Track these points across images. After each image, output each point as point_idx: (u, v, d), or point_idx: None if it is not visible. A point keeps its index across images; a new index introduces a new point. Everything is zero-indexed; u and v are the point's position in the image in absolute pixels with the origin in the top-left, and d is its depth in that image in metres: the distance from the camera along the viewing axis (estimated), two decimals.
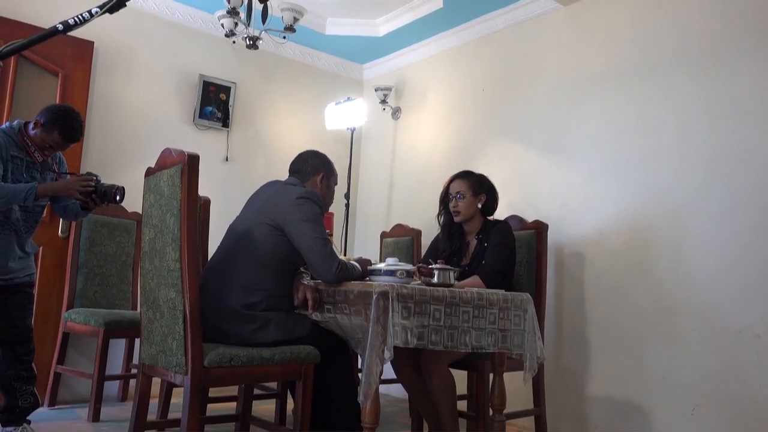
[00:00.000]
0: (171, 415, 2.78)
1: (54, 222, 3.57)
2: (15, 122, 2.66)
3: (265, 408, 3.43)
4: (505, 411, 2.41)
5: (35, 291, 2.88)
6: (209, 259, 2.46)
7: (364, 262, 2.37)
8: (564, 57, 3.62)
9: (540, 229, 3.10)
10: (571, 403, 3.23)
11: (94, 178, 2.66)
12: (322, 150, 4.49)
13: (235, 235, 2.37)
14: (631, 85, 3.22)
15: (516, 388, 2.86)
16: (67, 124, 2.62)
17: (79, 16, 1.97)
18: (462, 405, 3.05)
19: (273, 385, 3.14)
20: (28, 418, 2.71)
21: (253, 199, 2.49)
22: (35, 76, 3.60)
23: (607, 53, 3.38)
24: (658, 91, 3.10)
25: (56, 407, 3.41)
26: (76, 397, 3.57)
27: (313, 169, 2.53)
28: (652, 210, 3.04)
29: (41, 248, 3.44)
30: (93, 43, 3.81)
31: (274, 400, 3.11)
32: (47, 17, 3.60)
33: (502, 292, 2.33)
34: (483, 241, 2.79)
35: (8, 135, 2.59)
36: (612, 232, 3.20)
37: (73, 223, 3.55)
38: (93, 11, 1.99)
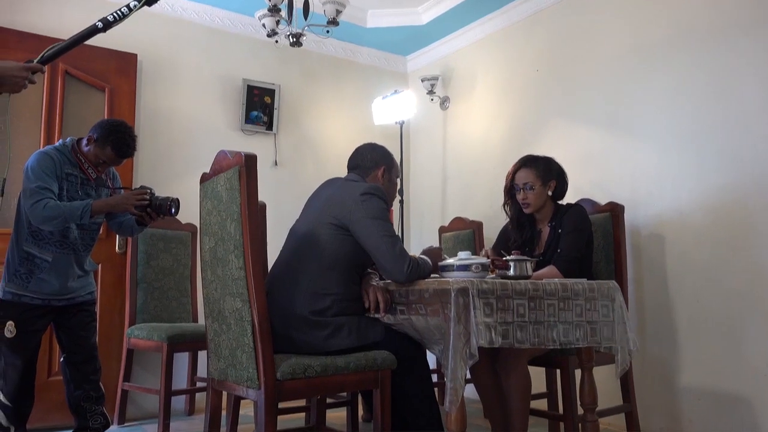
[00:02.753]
0: (240, 428, 2.70)
1: (111, 238, 3.55)
2: (68, 139, 2.62)
3: (334, 416, 3.31)
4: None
5: (97, 309, 2.84)
6: (272, 265, 2.35)
7: (435, 254, 2.21)
8: (625, 25, 3.38)
9: (615, 211, 2.88)
10: (661, 397, 3.00)
11: (149, 191, 2.60)
12: None
13: (297, 238, 2.25)
14: (703, 50, 2.97)
15: (599, 383, 2.65)
16: (120, 139, 2.56)
17: (118, 12, 1.89)
18: (538, 404, 2.87)
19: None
20: None
21: (313, 199, 2.37)
22: (83, 93, 3.60)
23: (675, 16, 3.13)
24: (734, 55, 2.84)
25: (126, 425, 3.39)
26: (144, 413, 3.54)
27: (373, 163, 2.39)
28: (739, 181, 2.78)
29: (100, 265, 3.42)
30: (136, 55, 3.78)
31: (344, 408, 2.99)
32: (63, 28, 3.58)
33: (586, 281, 2.15)
34: (556, 228, 2.60)
35: (62, 152, 2.55)
36: (694, 209, 2.95)
37: (130, 239, 3.52)
38: (131, 5, 1.91)
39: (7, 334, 2.44)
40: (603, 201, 3.02)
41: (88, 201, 2.48)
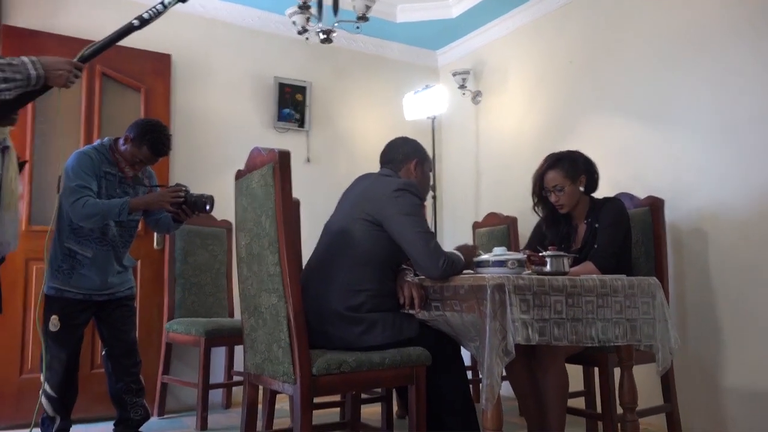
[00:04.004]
0: (276, 422, 2.72)
1: (149, 235, 3.62)
2: (105, 139, 2.68)
3: (369, 412, 3.32)
4: None
5: (137, 304, 2.91)
6: (306, 261, 2.36)
7: (469, 251, 2.18)
8: (664, 11, 3.28)
9: (655, 205, 2.81)
10: (704, 396, 2.92)
11: (184, 188, 2.65)
12: None
13: (331, 234, 2.25)
14: (748, 36, 2.87)
15: (639, 382, 2.59)
16: (155, 138, 2.62)
17: (152, 10, 1.91)
18: (576, 402, 2.82)
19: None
20: (140, 429, 2.73)
21: (346, 195, 2.36)
22: (119, 93, 3.67)
23: (718, 3, 3.03)
24: None
25: (165, 417, 3.46)
26: (183, 406, 3.61)
27: (405, 156, 2.37)
28: None
29: (139, 262, 3.50)
30: (170, 56, 3.85)
31: (378, 404, 2.99)
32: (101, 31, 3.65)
33: (625, 277, 2.10)
34: (593, 224, 2.55)
35: (100, 152, 2.61)
36: (737, 203, 2.86)
37: (167, 236, 3.58)
38: (166, 2, 1.93)
39: (52, 328, 2.51)
40: (642, 195, 2.95)
41: (125, 199, 2.54)
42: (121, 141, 2.65)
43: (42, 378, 2.55)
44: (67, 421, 2.62)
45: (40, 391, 2.55)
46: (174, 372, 3.58)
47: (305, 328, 1.87)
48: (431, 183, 4.33)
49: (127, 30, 1.88)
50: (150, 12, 1.90)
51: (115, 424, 2.74)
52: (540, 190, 2.64)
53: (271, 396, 2.74)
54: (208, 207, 2.63)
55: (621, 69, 3.51)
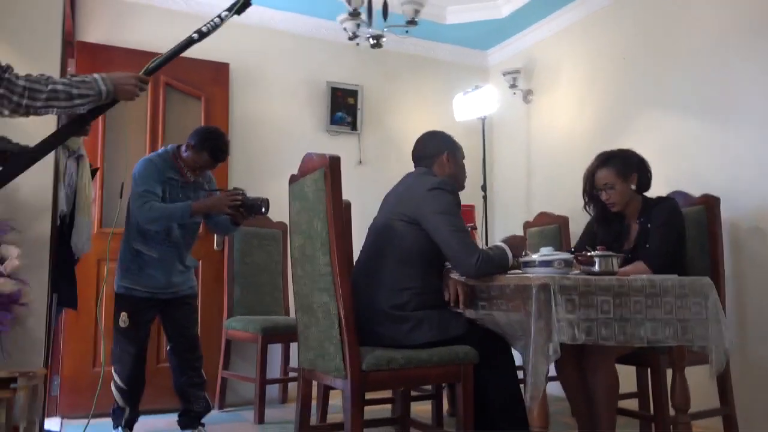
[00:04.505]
0: (330, 417, 2.81)
1: (209, 237, 3.79)
2: (169, 147, 2.85)
3: (419, 409, 3.38)
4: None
5: (198, 302, 3.06)
6: (355, 261, 2.44)
7: (518, 242, 2.19)
8: (722, 4, 3.19)
9: (710, 204, 2.74)
10: (764, 400, 2.83)
11: (241, 192, 2.78)
12: None
13: (375, 234, 2.32)
14: None
15: (695, 384, 2.54)
16: (214, 144, 2.77)
17: (210, 23, 2.02)
18: (628, 403, 2.79)
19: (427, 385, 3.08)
20: (202, 421, 2.88)
21: (389, 196, 2.42)
22: (181, 102, 3.86)
23: None
24: None
25: (225, 410, 3.62)
26: (241, 400, 3.75)
27: (436, 150, 2.39)
28: None
29: (200, 262, 3.67)
30: (228, 64, 4.01)
31: (429, 402, 3.04)
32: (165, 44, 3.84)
33: (676, 277, 2.08)
34: (646, 223, 2.51)
35: (164, 159, 2.78)
36: None
37: (226, 237, 3.74)
38: (222, 15, 2.04)
39: (122, 324, 2.70)
40: (697, 193, 2.88)
41: (188, 202, 2.69)
42: (183, 148, 2.81)
43: (113, 371, 2.74)
44: (135, 412, 2.80)
45: (111, 384, 2.74)
46: (233, 367, 3.74)
47: (355, 325, 1.94)
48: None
49: (188, 43, 2.00)
50: (208, 25, 2.01)
51: (179, 416, 2.90)
52: (591, 188, 2.63)
53: (325, 391, 2.84)
54: (263, 209, 2.76)
55: (676, 63, 3.43)
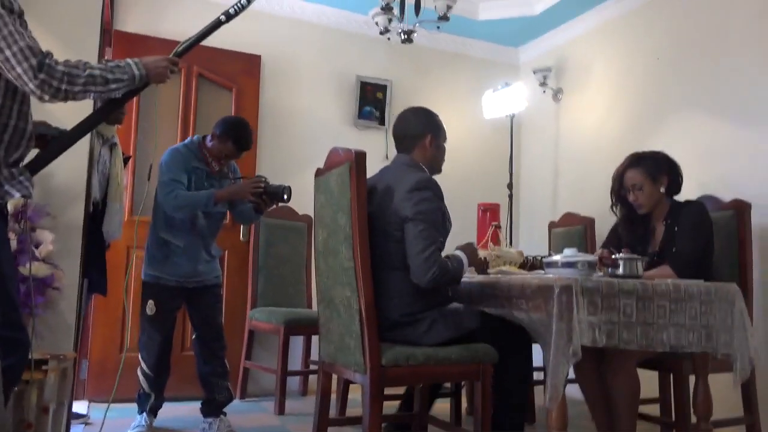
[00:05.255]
0: (349, 411, 2.84)
1: (235, 228, 3.84)
2: (195, 137, 2.90)
3: (439, 407, 3.38)
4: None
5: (223, 292, 3.11)
6: None
7: (472, 251, 2.20)
8: (758, 5, 3.12)
9: (741, 209, 2.69)
10: None
11: (263, 179, 2.82)
12: (481, 140, 4.33)
13: (373, 242, 2.12)
14: None
15: (719, 391, 2.50)
16: (238, 133, 2.81)
17: (237, 5, 2.02)
18: (650, 409, 2.76)
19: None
20: (224, 410, 2.93)
21: (377, 186, 2.23)
22: (213, 93, 3.92)
23: None
24: None
25: (246, 400, 3.67)
26: (262, 390, 3.80)
27: (419, 131, 2.28)
28: None
29: (226, 252, 3.73)
30: (260, 56, 4.05)
31: (447, 399, 3.05)
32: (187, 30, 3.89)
33: (702, 282, 2.05)
34: (672, 226, 2.48)
35: (190, 149, 2.84)
36: None
37: (252, 228, 3.79)
38: None
39: (149, 312, 2.76)
40: (728, 198, 2.83)
41: (211, 190, 2.75)
42: (209, 138, 2.86)
43: (140, 357, 2.80)
44: (160, 398, 2.86)
45: (138, 370, 2.80)
46: (255, 358, 3.79)
47: (376, 320, 1.96)
48: (508, 182, 4.35)
49: (216, 25, 2.00)
50: (236, 7, 2.01)
51: (202, 404, 2.95)
52: (619, 188, 2.61)
53: (345, 385, 2.87)
54: (285, 196, 2.79)
55: (710, 65, 3.36)
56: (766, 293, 2.92)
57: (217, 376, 2.89)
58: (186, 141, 2.91)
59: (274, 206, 2.92)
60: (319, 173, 2.28)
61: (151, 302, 2.77)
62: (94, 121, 1.95)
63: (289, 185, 2.80)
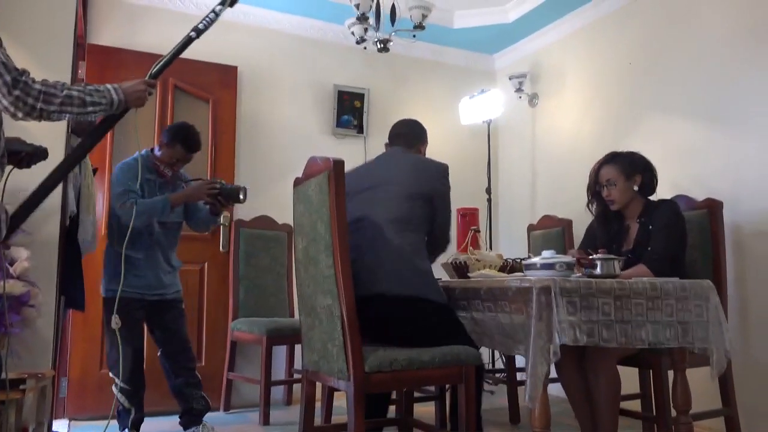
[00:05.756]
0: (334, 418, 2.84)
1: (215, 239, 3.82)
2: (143, 150, 2.92)
3: (423, 411, 3.39)
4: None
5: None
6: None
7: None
8: (726, 12, 3.20)
9: (713, 207, 2.75)
10: (766, 401, 2.84)
11: (218, 181, 2.88)
12: (459, 146, 4.41)
13: (396, 204, 2.32)
14: None
15: (698, 385, 2.55)
16: (185, 136, 2.88)
17: (206, 19, 2.02)
18: (632, 405, 2.80)
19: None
20: (204, 421, 2.91)
21: (382, 168, 2.45)
22: (190, 104, 3.91)
23: None
24: None
25: (231, 411, 3.64)
26: (247, 402, 3.77)
27: (421, 137, 2.58)
28: None
29: (206, 263, 3.72)
30: (236, 67, 4.05)
31: (432, 403, 3.06)
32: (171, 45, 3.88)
33: (677, 280, 2.10)
34: (646, 225, 2.53)
35: (139, 162, 2.87)
36: None
37: (232, 238, 3.77)
38: (217, 9, 2.05)
39: (114, 326, 2.73)
40: (702, 197, 2.89)
41: (166, 195, 2.81)
42: (157, 148, 2.93)
43: (111, 374, 2.78)
44: (141, 412, 2.83)
45: (113, 387, 2.77)
46: (239, 369, 3.76)
47: (358, 327, 1.96)
48: (486, 187, 4.40)
49: (187, 42, 2.01)
50: (204, 22, 2.02)
51: (180, 417, 2.93)
52: (595, 184, 2.67)
53: (329, 393, 2.87)
54: (241, 196, 2.82)
55: (681, 69, 3.44)
56: (740, 289, 2.99)
57: (191, 386, 2.90)
58: (135, 155, 2.93)
59: (231, 206, 2.97)
60: (297, 182, 2.29)
61: (115, 317, 2.73)
62: (79, 156, 1.95)
63: (246, 186, 2.85)
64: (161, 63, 2.01)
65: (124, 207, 2.72)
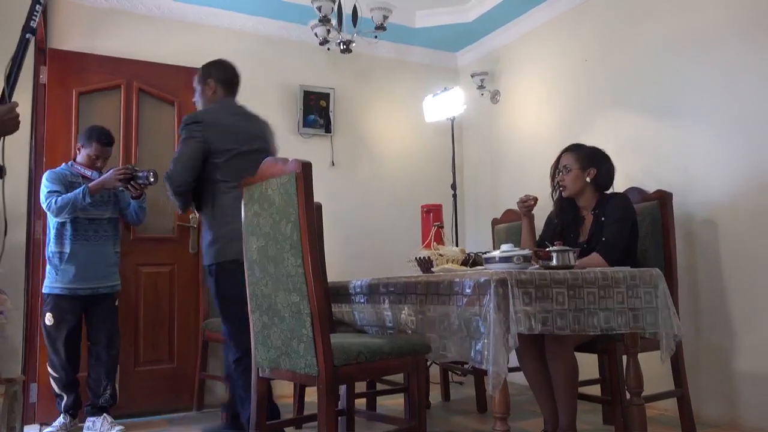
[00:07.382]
0: (285, 415, 2.89)
1: (183, 241, 3.83)
2: (66, 163, 3.21)
3: (393, 403, 3.48)
4: (643, 394, 2.28)
5: (117, 303, 3.25)
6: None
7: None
8: (676, 9, 3.35)
9: (663, 199, 2.89)
10: (716, 381, 3.00)
11: (129, 166, 3.10)
12: (424, 143, 4.47)
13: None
14: (758, 32, 2.93)
15: (653, 368, 2.69)
16: (97, 132, 3.16)
17: (34, 13, 1.91)
18: (593, 389, 2.93)
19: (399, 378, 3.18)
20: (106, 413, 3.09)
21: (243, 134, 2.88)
22: (154, 107, 3.90)
23: (726, 1, 3.09)
24: None
25: (203, 410, 3.67)
26: (219, 400, 3.77)
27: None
28: None
29: (175, 265, 3.74)
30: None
31: (401, 395, 3.15)
32: (138, 50, 3.88)
33: (628, 269, 2.21)
34: (600, 216, 2.65)
35: (64, 169, 3.16)
36: (748, 195, 2.93)
37: (199, 240, 3.78)
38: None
39: (47, 322, 3.00)
40: (654, 188, 3.02)
41: (83, 185, 3.00)
42: (77, 156, 3.19)
43: (48, 365, 3.05)
44: (75, 399, 3.06)
45: (49, 377, 3.04)
46: (211, 369, 3.78)
47: (327, 323, 2.03)
48: (451, 183, 4.49)
49: (26, 44, 1.86)
50: (33, 17, 1.90)
51: (88, 406, 3.10)
52: (554, 171, 2.80)
53: (301, 389, 2.93)
54: (152, 179, 3.03)
55: (635, 66, 3.58)
56: (690, 276, 3.14)
57: (108, 378, 3.09)
58: (62, 166, 3.18)
59: (145, 188, 3.12)
60: (247, 183, 2.28)
61: (48, 314, 2.99)
62: None
63: (155, 169, 3.04)
64: (12, 78, 1.81)
65: (50, 205, 2.96)
